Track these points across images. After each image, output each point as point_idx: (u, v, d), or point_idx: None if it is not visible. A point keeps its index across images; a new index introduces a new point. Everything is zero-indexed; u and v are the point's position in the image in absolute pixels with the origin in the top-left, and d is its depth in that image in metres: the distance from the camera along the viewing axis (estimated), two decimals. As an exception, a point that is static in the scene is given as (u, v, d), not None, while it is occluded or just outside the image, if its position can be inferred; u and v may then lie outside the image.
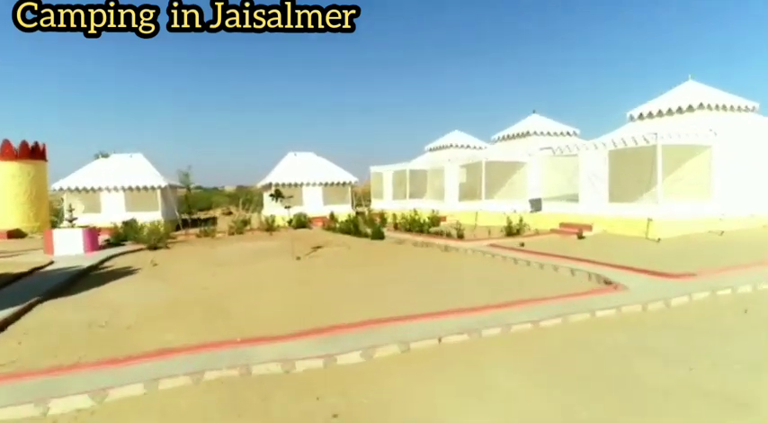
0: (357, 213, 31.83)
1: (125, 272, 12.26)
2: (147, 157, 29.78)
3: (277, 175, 29.43)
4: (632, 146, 14.49)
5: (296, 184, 29.36)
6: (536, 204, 21.06)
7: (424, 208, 24.01)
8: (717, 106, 15.88)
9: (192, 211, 44.40)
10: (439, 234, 16.74)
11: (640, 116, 17.48)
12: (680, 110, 16.20)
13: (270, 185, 28.90)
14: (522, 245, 13.46)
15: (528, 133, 22.89)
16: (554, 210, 16.99)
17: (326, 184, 30.02)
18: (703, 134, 14.42)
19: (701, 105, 15.78)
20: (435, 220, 21.15)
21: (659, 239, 12.70)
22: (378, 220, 25.36)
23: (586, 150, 15.98)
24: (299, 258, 13.55)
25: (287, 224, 25.79)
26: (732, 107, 16.03)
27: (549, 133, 23.16)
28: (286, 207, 14.36)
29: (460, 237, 15.84)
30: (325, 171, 30.73)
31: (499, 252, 12.24)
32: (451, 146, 28.64)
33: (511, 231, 15.59)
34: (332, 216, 28.35)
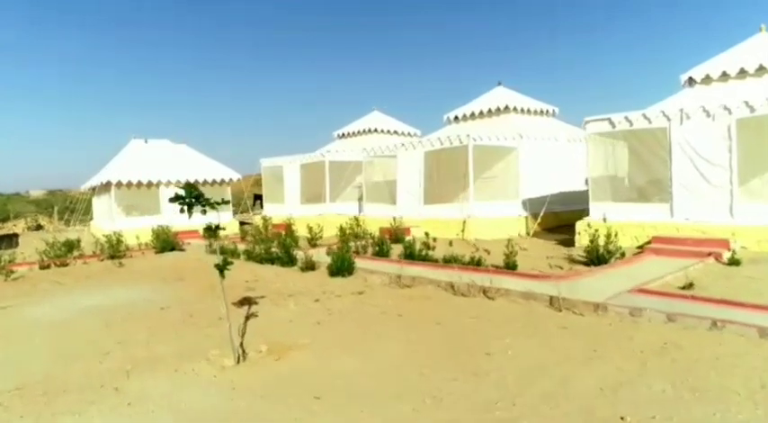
0: (242, 223, 23.19)
1: None
2: None
3: (118, 171, 19.66)
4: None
5: (149, 184, 19.88)
6: (531, 206, 14.94)
7: (364, 215, 16.59)
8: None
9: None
10: (456, 262, 9.58)
11: (706, 79, 12.19)
12: (778, 67, 11.17)
13: (108, 185, 19.11)
14: (691, 287, 6.97)
15: (507, 109, 16.76)
16: (620, 215, 10.82)
17: (197, 183, 20.84)
18: None
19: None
20: (399, 234, 13.93)
21: None
22: (284, 233, 17.47)
23: (687, 120, 10.07)
24: (241, 359, 5.44)
25: (143, 245, 16.47)
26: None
27: (529, 111, 17.34)
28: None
29: (511, 268, 8.88)
30: (194, 165, 21.56)
31: (723, 314, 5.54)
32: (375, 131, 21.59)
33: (597, 256, 9.01)
34: (210, 229, 19.43)
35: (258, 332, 6.37)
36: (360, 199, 19.14)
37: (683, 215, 10.09)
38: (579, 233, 11.46)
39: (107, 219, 20.33)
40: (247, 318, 7.13)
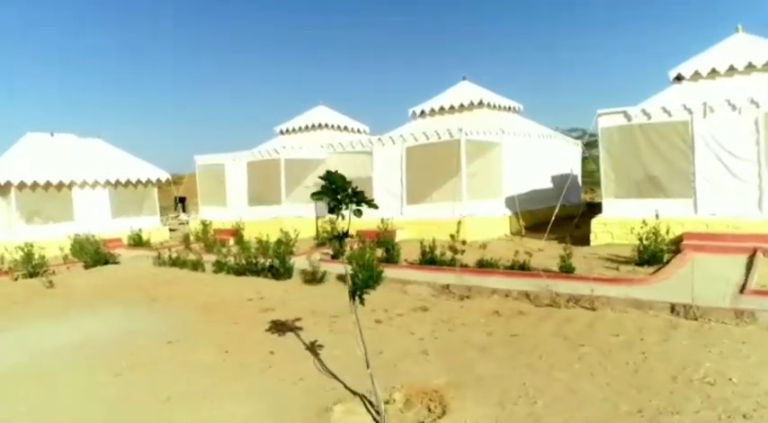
0: (170, 229, 20.49)
1: None
2: None
3: (18, 170, 16.26)
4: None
5: (60, 185, 16.78)
6: (513, 204, 14.35)
7: (331, 217, 14.96)
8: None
9: None
10: (494, 267, 8.58)
11: (695, 75, 12.31)
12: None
13: (6, 187, 15.83)
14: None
15: (481, 104, 16.10)
16: (638, 212, 10.38)
17: (118, 184, 17.99)
18: None
19: None
20: (388, 236, 12.64)
21: None
22: (229, 241, 15.62)
23: (711, 113, 9.85)
24: (384, 420, 3.91)
25: (66, 258, 13.58)
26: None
27: (498, 107, 16.82)
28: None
29: (569, 271, 8.03)
30: (114, 163, 18.56)
31: None
32: (323, 126, 19.98)
33: (653, 255, 8.41)
34: (139, 237, 16.79)
35: (353, 372, 4.83)
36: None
37: (709, 211, 9.90)
38: (594, 231, 10.95)
39: (2, 227, 16.73)
40: (313, 351, 5.51)
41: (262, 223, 16.06)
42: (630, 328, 5.47)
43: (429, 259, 9.55)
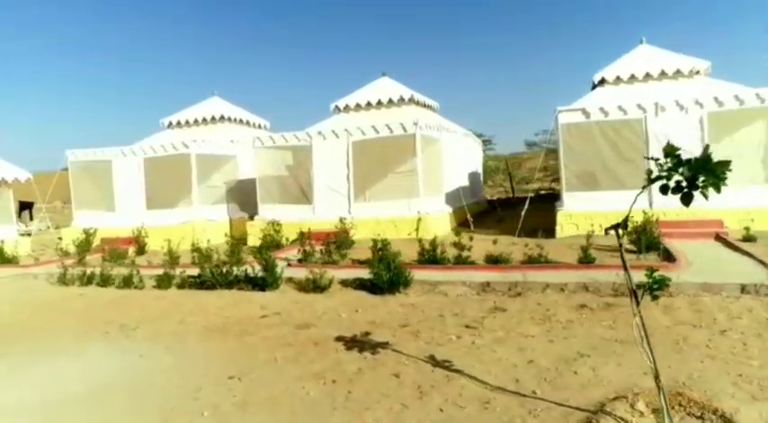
0: (24, 235, 16.74)
1: None
2: None
3: None
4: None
5: None
6: (451, 201, 14.34)
7: (261, 219, 13.41)
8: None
9: None
10: (504, 262, 8.38)
11: (616, 80, 13.52)
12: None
13: None
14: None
15: (412, 100, 15.83)
16: (599, 204, 11.01)
17: (-39, 186, 14.22)
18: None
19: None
20: (346, 238, 11.71)
21: None
22: (128, 251, 13.48)
23: (662, 112, 10.77)
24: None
25: None
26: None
27: (423, 104, 16.72)
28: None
29: (588, 262, 8.10)
30: (-48, 158, 14.58)
31: None
32: (221, 119, 18.03)
33: (649, 243, 8.89)
34: (0, 252, 13.37)
35: (535, 386, 4.15)
36: (228, 201, 15.70)
37: (662, 201, 10.81)
38: (560, 223, 11.35)
39: None
40: (446, 367, 4.66)
41: (169, 229, 13.84)
42: (739, 311, 5.58)
43: (431, 258, 8.94)
